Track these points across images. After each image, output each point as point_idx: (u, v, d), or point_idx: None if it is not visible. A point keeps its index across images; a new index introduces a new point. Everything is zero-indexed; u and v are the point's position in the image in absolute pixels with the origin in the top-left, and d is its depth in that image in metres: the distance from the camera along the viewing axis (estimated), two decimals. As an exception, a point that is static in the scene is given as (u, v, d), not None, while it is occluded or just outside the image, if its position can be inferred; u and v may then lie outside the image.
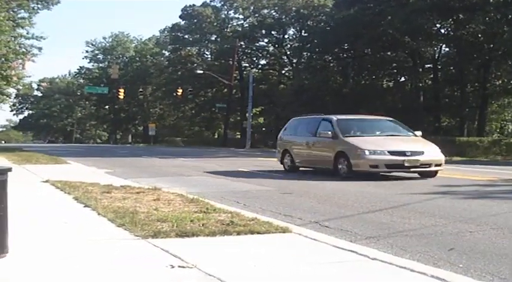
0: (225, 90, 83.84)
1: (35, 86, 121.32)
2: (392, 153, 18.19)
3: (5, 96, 47.41)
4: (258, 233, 7.72)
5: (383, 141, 19.32)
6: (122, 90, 78.96)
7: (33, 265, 5.80)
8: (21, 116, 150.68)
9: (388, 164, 18.24)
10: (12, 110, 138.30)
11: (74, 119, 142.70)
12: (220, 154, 42.93)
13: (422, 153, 18.56)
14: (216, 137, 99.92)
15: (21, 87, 51.03)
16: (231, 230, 7.77)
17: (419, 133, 21.11)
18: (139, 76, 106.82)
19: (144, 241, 7.11)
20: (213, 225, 8.05)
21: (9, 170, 5.61)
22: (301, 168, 22.10)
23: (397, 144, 18.96)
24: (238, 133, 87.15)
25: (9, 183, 5.41)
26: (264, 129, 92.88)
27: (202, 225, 8.06)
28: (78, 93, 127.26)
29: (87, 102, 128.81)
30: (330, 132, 19.79)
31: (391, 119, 22.92)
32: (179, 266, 5.78)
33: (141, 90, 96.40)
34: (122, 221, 8.25)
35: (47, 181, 14.75)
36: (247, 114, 72.46)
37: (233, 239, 7.43)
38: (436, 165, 18.70)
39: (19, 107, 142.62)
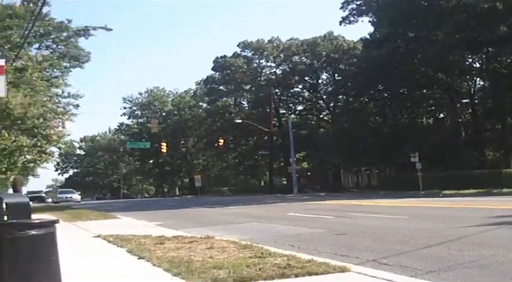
0: (266, 137, 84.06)
1: (76, 144, 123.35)
2: None
3: (47, 155, 47.85)
4: (316, 274, 7.59)
5: None
6: (164, 144, 79.20)
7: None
8: (66, 175, 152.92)
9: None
10: (56, 170, 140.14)
11: (119, 175, 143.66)
12: (268, 200, 42.80)
13: None
14: (262, 184, 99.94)
15: (62, 146, 51.55)
16: (288, 272, 7.65)
17: None
18: (179, 129, 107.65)
19: (203, 289, 7.03)
20: (269, 269, 7.92)
21: (56, 221, 5.60)
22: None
23: None
24: (284, 179, 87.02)
25: (60, 240, 5.37)
26: (309, 173, 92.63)
27: (259, 269, 7.94)
28: (121, 150, 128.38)
29: (130, 158, 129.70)
30: None
31: None
32: (241, 311, 5.69)
33: (182, 142, 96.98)
34: (177, 270, 8.16)
35: (98, 236, 14.74)
36: (290, 160, 72.35)
37: (291, 281, 7.31)
38: None
39: (63, 166, 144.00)
